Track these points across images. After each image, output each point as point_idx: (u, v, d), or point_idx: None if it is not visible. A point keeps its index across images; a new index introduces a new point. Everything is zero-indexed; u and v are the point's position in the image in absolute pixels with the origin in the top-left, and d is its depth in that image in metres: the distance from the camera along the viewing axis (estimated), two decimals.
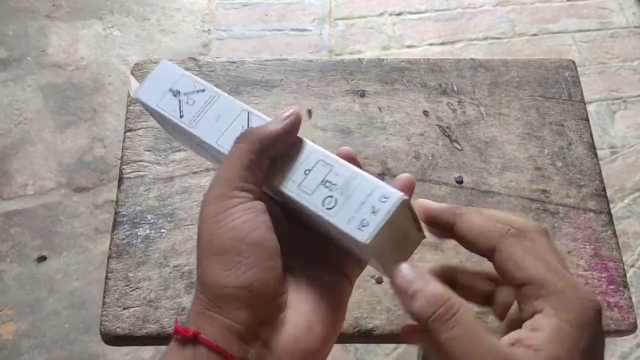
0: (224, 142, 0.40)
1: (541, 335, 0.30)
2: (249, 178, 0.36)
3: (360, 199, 0.36)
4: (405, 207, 0.36)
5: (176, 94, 0.44)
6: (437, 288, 0.32)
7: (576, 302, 0.31)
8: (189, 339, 0.33)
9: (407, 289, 0.33)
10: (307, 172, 0.38)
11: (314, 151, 0.39)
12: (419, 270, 0.34)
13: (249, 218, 0.34)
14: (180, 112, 0.43)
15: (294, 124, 0.37)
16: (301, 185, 0.38)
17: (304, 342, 0.34)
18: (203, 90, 0.43)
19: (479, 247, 0.35)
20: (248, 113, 0.41)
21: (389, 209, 0.35)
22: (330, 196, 0.38)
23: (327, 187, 0.38)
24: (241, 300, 0.33)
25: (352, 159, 0.38)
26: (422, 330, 0.34)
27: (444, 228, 0.37)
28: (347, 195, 0.37)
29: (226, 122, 0.41)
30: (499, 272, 0.34)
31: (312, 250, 0.39)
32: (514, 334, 0.31)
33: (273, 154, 0.37)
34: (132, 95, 0.45)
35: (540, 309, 0.31)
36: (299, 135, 0.39)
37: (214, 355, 0.32)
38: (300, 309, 0.35)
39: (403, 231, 0.39)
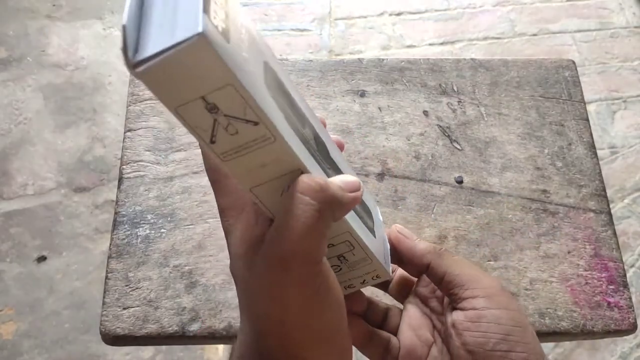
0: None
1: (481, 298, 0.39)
2: (324, 247, 0.30)
3: (358, 274, 0.42)
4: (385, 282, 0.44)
5: (212, 109, 0.28)
6: (429, 243, 0.42)
7: (493, 284, 0.40)
8: None
9: (412, 235, 0.42)
10: (330, 245, 0.37)
11: (348, 231, 0.36)
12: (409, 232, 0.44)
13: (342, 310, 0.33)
14: (212, 135, 0.30)
15: (358, 201, 0.33)
16: None
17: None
18: (255, 124, 0.28)
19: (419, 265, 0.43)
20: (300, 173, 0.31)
21: (373, 283, 0.44)
22: (338, 266, 0.40)
23: (340, 260, 0.39)
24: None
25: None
26: (359, 322, 0.42)
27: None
28: (352, 269, 0.41)
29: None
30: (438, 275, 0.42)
31: None
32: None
33: None
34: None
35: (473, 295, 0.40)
36: None
37: None
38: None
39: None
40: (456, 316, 0.38)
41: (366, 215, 0.41)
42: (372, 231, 0.40)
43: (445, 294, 0.41)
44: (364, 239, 0.37)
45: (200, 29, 0.24)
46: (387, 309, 0.44)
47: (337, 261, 0.39)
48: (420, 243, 0.42)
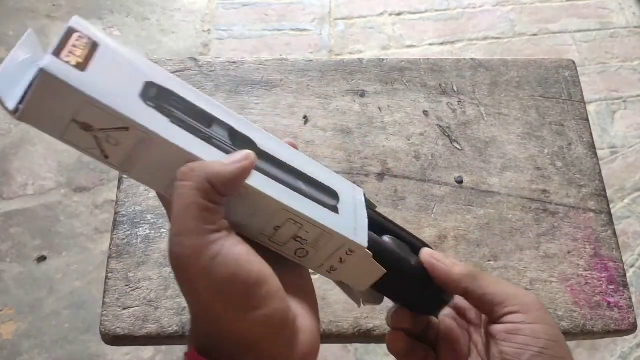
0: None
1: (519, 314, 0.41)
2: (210, 219, 0.32)
3: (329, 252, 0.40)
4: (369, 258, 0.40)
5: (87, 128, 0.34)
6: (463, 264, 0.43)
7: (530, 300, 0.41)
8: None
9: (445, 260, 0.42)
10: (277, 228, 0.38)
11: (283, 208, 0.37)
12: (442, 253, 0.43)
13: (243, 250, 0.33)
14: (103, 152, 0.35)
15: (247, 170, 0.34)
16: (272, 238, 0.39)
17: (316, 342, 0.37)
18: (125, 129, 0.33)
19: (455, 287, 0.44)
20: (190, 157, 0.35)
21: (354, 259, 0.41)
22: (302, 248, 0.40)
23: (298, 241, 0.39)
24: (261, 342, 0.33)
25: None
26: (403, 336, 0.44)
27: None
28: (317, 249, 0.40)
29: (168, 168, 0.35)
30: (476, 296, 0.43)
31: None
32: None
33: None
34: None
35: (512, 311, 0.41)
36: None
37: None
38: (303, 313, 0.38)
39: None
40: (495, 328, 0.40)
41: (324, 194, 0.41)
42: (333, 208, 0.41)
43: (484, 312, 0.42)
44: (312, 214, 0.38)
45: (41, 66, 0.31)
46: (428, 320, 0.46)
47: (297, 243, 0.40)
48: (454, 267, 0.42)
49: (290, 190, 0.39)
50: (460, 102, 0.73)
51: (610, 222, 0.65)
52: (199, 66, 0.74)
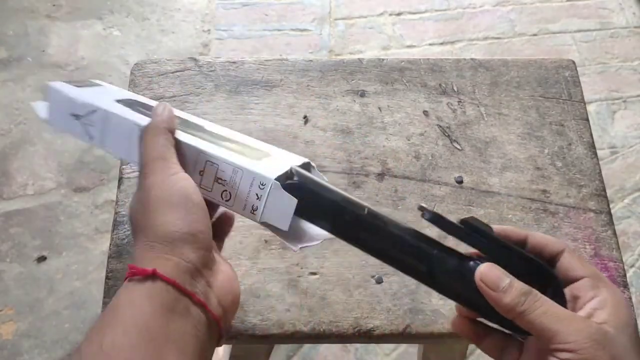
0: (134, 157, 0.48)
1: (605, 311, 0.40)
2: (173, 156, 0.45)
3: (245, 190, 0.45)
4: (279, 189, 0.45)
5: (77, 117, 0.51)
6: (522, 284, 0.41)
7: (620, 294, 0.42)
8: (148, 277, 0.39)
9: (498, 285, 0.41)
10: (201, 172, 0.47)
11: (200, 152, 0.46)
12: (500, 268, 0.42)
13: (190, 184, 0.43)
14: (89, 134, 0.51)
15: (172, 113, 0.48)
16: (201, 184, 0.47)
17: (235, 286, 0.45)
18: (95, 111, 0.50)
19: (549, 251, 0.45)
20: (139, 128, 0.48)
21: (267, 193, 0.45)
22: (225, 190, 0.47)
23: (220, 183, 0.47)
24: (190, 243, 0.41)
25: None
26: (470, 321, 0.46)
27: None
28: (235, 188, 0.46)
29: (128, 138, 0.48)
30: (564, 269, 0.44)
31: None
32: (582, 314, 0.41)
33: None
34: (42, 121, 0.53)
35: (597, 294, 0.41)
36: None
37: (171, 289, 0.39)
38: (224, 264, 0.46)
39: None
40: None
41: (251, 150, 0.50)
42: (255, 159, 0.48)
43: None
44: (225, 155, 0.46)
45: (50, 84, 0.52)
46: None
47: (220, 186, 0.47)
48: (505, 297, 0.40)
49: (211, 144, 0.48)
50: (460, 102, 0.73)
51: (610, 222, 0.65)
52: (198, 66, 0.74)
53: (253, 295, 0.60)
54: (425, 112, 0.72)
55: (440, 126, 0.71)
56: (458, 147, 0.70)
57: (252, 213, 0.46)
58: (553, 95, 0.74)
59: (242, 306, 0.59)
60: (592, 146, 0.70)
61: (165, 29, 1.74)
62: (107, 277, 0.61)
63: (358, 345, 1.26)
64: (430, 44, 1.75)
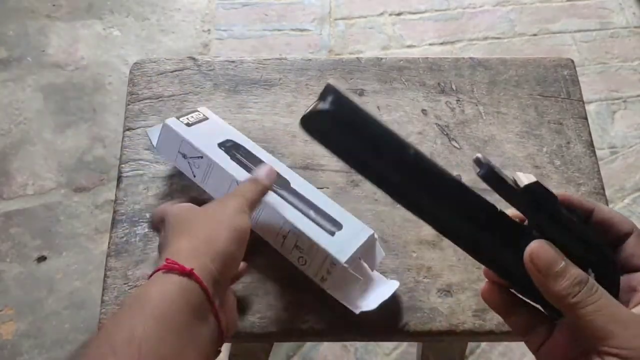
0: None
1: None
2: (254, 205, 0.52)
3: (319, 262, 0.55)
4: (347, 271, 0.54)
5: (184, 156, 0.60)
6: (578, 270, 0.35)
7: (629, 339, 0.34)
8: (185, 274, 0.42)
9: (550, 269, 0.35)
10: (284, 237, 0.56)
11: (287, 221, 0.55)
12: (556, 249, 0.36)
13: (249, 227, 0.49)
14: (192, 172, 0.61)
15: (274, 177, 0.56)
16: (282, 246, 0.57)
17: (235, 314, 0.50)
18: (201, 157, 0.59)
19: (616, 231, 0.39)
20: (236, 182, 0.57)
21: (337, 271, 0.54)
22: (302, 256, 0.56)
23: (298, 250, 0.56)
24: (228, 264, 0.46)
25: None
26: (501, 290, 0.40)
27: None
28: (311, 258, 0.55)
29: (224, 186, 0.58)
30: (628, 254, 0.38)
31: None
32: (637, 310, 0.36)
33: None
34: (153, 148, 0.65)
35: None
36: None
37: (201, 293, 0.42)
38: (231, 294, 0.50)
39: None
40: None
41: (327, 221, 0.57)
42: (330, 232, 0.56)
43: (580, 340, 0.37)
44: (307, 229, 0.55)
45: (166, 122, 0.61)
46: None
47: (297, 252, 0.56)
48: (556, 284, 0.35)
49: (297, 211, 0.56)
50: (459, 101, 0.73)
51: None
52: (197, 65, 0.74)
53: (252, 293, 0.60)
54: (424, 111, 0.72)
55: (439, 125, 0.71)
56: (456, 145, 0.70)
57: (321, 281, 0.56)
58: (552, 94, 0.74)
59: (241, 304, 0.59)
60: (590, 145, 0.70)
61: (165, 29, 1.74)
62: (105, 276, 0.61)
63: (358, 345, 1.26)
64: (430, 44, 1.75)
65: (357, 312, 0.54)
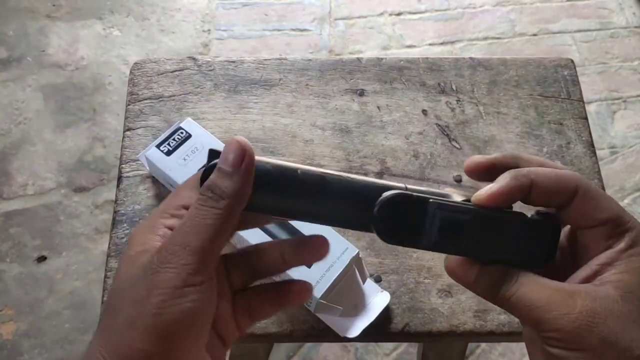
0: None
1: (615, 268, 0.32)
2: (206, 260, 0.32)
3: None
4: (323, 306, 0.55)
5: (170, 185, 0.64)
6: (493, 269, 0.33)
7: (568, 319, 0.31)
8: None
9: (466, 280, 0.34)
10: None
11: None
12: (463, 260, 0.35)
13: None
14: None
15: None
16: None
17: None
18: None
19: (559, 193, 0.34)
20: None
21: (314, 305, 0.55)
22: None
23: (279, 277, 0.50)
24: None
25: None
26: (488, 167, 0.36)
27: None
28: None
29: None
30: (575, 216, 0.34)
31: None
32: (584, 273, 0.33)
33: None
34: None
35: (613, 244, 0.32)
36: None
37: None
38: None
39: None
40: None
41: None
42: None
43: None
44: None
45: (146, 154, 0.63)
46: None
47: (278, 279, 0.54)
48: (477, 288, 0.34)
49: (268, 239, 0.54)
50: (459, 101, 0.73)
51: None
52: (197, 65, 0.74)
53: None
54: (424, 111, 0.72)
55: (439, 125, 0.71)
56: (457, 146, 0.70)
57: (308, 306, 0.57)
58: (552, 94, 0.74)
59: None
60: (591, 145, 0.70)
61: (165, 29, 1.74)
62: (106, 276, 0.61)
63: (358, 345, 1.26)
64: (430, 44, 1.75)
65: (341, 335, 0.56)
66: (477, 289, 0.34)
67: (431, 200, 0.33)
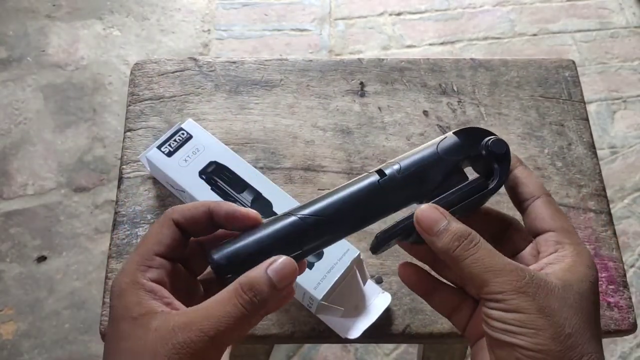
0: None
1: (559, 265, 0.37)
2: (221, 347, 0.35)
3: (300, 296, 0.57)
4: (324, 307, 0.55)
5: (171, 186, 0.64)
6: (459, 226, 0.37)
7: (586, 254, 0.38)
8: None
9: (432, 228, 0.37)
10: None
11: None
12: (440, 210, 0.38)
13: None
14: (182, 198, 0.64)
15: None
16: None
17: None
18: (183, 191, 0.62)
19: (524, 194, 0.41)
20: None
21: (315, 307, 0.55)
22: None
23: None
24: None
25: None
26: (419, 271, 0.44)
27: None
28: (296, 288, 0.53)
29: None
30: (531, 219, 0.40)
31: None
32: (535, 266, 0.38)
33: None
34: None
35: (558, 250, 0.38)
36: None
37: None
38: None
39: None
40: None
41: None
42: (310, 265, 0.54)
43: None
44: None
45: (147, 156, 0.62)
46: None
47: None
48: (438, 240, 0.37)
49: None
50: (460, 102, 0.73)
51: (610, 222, 0.65)
52: (198, 66, 0.74)
53: None
54: (425, 112, 0.72)
55: (440, 126, 0.71)
56: None
57: (309, 307, 0.57)
58: (553, 95, 0.74)
59: None
60: (592, 146, 0.70)
61: (165, 29, 1.74)
62: (106, 277, 0.61)
63: (358, 345, 1.26)
64: (430, 44, 1.75)
65: (342, 336, 0.56)
66: (437, 243, 0.37)
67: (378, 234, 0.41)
